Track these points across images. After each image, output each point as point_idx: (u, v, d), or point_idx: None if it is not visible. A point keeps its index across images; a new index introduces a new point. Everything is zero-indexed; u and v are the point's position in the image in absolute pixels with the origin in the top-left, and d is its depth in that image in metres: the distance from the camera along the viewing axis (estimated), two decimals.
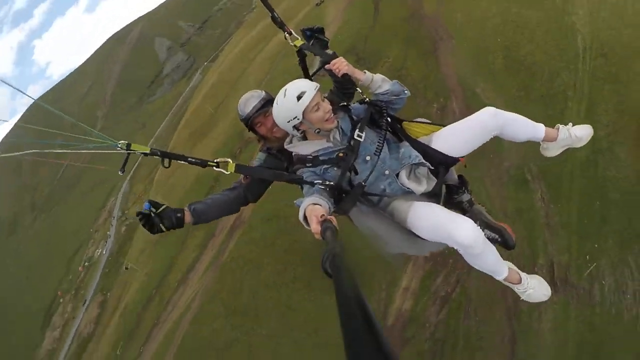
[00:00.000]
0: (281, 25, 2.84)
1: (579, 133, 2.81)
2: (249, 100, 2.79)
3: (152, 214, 2.38)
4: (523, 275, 2.62)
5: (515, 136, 2.64)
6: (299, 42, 2.79)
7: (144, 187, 59.65)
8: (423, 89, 19.03)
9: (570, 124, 2.85)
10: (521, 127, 2.63)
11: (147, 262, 26.42)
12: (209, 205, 2.72)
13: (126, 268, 30.83)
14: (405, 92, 2.61)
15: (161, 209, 2.42)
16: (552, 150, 2.93)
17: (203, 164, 2.50)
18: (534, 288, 2.61)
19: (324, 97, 2.45)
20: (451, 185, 2.66)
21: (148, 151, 2.41)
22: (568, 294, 11.02)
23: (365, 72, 2.57)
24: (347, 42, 25.14)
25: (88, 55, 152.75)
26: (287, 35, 2.82)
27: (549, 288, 2.67)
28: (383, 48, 22.70)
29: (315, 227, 1.78)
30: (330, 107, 2.43)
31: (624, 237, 11.09)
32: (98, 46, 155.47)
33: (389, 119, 2.56)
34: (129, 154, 2.39)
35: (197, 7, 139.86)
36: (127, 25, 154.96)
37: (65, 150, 2.47)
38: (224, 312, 13.88)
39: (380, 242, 2.49)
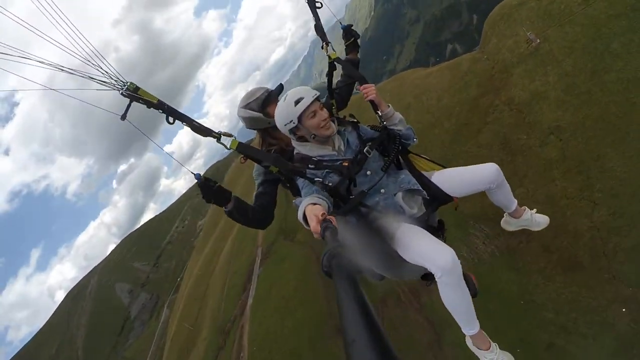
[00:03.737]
0: (322, 36, 3.13)
1: (539, 219, 3.25)
2: (258, 91, 2.97)
3: (212, 185, 2.56)
4: (493, 343, 2.59)
5: (498, 198, 2.93)
6: (334, 55, 3.01)
7: None
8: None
9: (535, 209, 3.29)
10: (507, 193, 2.93)
11: None
12: (247, 208, 2.78)
13: None
14: (415, 139, 2.80)
15: (216, 186, 2.56)
16: (511, 226, 3.37)
17: (207, 132, 2.53)
18: None
19: (323, 107, 2.55)
20: (431, 226, 2.67)
21: (155, 101, 2.38)
22: None
23: (389, 106, 2.76)
24: (275, 222, 41.26)
25: (48, 316, 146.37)
26: (325, 45, 3.07)
27: None
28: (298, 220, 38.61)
29: (314, 227, 1.73)
30: (327, 116, 2.54)
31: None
32: (56, 305, 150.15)
33: (400, 146, 2.72)
34: (131, 99, 2.35)
35: (146, 246, 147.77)
36: (83, 279, 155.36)
37: (63, 69, 2.16)
38: None
39: (358, 255, 2.12)
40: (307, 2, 3.13)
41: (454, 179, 2.78)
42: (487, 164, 2.77)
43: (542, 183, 10.51)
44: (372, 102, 2.76)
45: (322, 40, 3.13)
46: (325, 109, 2.58)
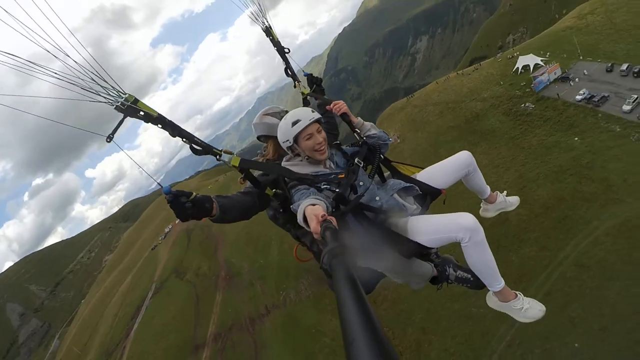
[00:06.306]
0: (293, 76, 3.48)
1: (512, 200, 3.55)
2: (277, 107, 3.22)
3: (185, 201, 2.23)
4: (518, 292, 2.75)
5: (475, 183, 3.23)
6: (306, 91, 3.42)
7: None
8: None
9: (505, 192, 3.60)
10: (480, 179, 3.23)
11: None
12: (233, 203, 2.63)
13: None
14: (390, 139, 3.03)
15: (192, 196, 2.27)
16: (490, 212, 3.61)
17: (208, 149, 2.51)
18: (530, 304, 2.71)
19: (320, 130, 2.66)
20: None
21: (156, 114, 2.29)
22: None
23: (358, 118, 3.01)
24: (172, 262, 52.28)
25: None
26: (296, 84, 3.44)
27: (542, 305, 2.74)
28: (191, 263, 48.91)
29: (315, 227, 1.72)
30: (324, 140, 2.66)
31: None
32: None
33: (382, 156, 2.96)
34: (127, 114, 2.22)
35: (47, 270, 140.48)
36: None
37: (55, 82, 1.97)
38: None
39: (367, 257, 2.54)
40: (277, 50, 3.45)
41: (437, 173, 3.05)
42: (459, 152, 3.10)
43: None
44: (344, 115, 3.00)
45: (293, 79, 3.52)
46: (323, 132, 2.68)
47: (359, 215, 2.53)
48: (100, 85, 2.07)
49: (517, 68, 48.52)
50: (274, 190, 2.72)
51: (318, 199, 2.13)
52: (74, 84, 1.99)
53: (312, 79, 3.60)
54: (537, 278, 25.90)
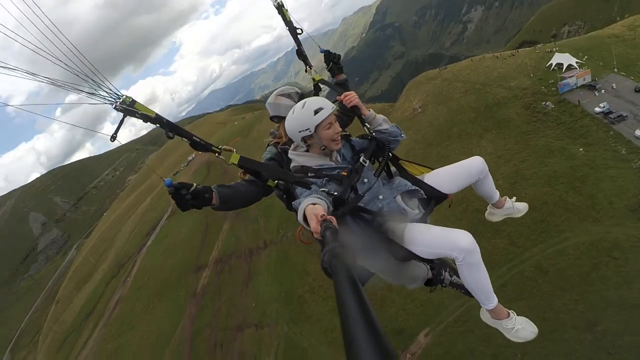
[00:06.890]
0: (305, 60, 3.35)
1: (519, 206, 3.46)
2: (292, 88, 3.20)
3: (185, 193, 2.29)
4: (511, 311, 2.69)
5: (484, 189, 3.12)
6: (318, 77, 3.25)
7: None
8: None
9: (514, 198, 3.50)
10: (491, 184, 3.12)
11: None
12: (233, 191, 2.66)
13: None
14: (402, 135, 2.89)
15: (192, 188, 2.33)
16: (496, 217, 3.55)
17: (207, 147, 2.53)
18: (522, 325, 2.66)
19: (336, 120, 2.61)
20: None
21: (153, 115, 2.35)
22: None
23: (370, 110, 2.88)
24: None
25: None
26: (308, 68, 3.30)
27: (535, 326, 2.69)
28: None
29: (315, 227, 1.73)
30: (340, 130, 2.61)
31: None
32: None
33: (390, 153, 2.81)
34: (126, 114, 2.30)
35: (72, 183, 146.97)
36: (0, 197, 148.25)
37: (53, 83, 2.17)
38: None
39: (363, 259, 2.48)
40: (289, 30, 3.32)
41: (446, 177, 2.92)
42: (472, 157, 2.97)
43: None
44: (355, 107, 2.87)
45: (305, 64, 3.36)
46: (338, 123, 2.62)
47: (357, 217, 2.52)
48: (103, 90, 2.26)
49: (551, 64, 48.04)
50: (276, 182, 2.75)
51: (319, 198, 2.10)
52: (78, 89, 2.23)
53: (329, 56, 3.45)
54: (499, 269, 28.27)
